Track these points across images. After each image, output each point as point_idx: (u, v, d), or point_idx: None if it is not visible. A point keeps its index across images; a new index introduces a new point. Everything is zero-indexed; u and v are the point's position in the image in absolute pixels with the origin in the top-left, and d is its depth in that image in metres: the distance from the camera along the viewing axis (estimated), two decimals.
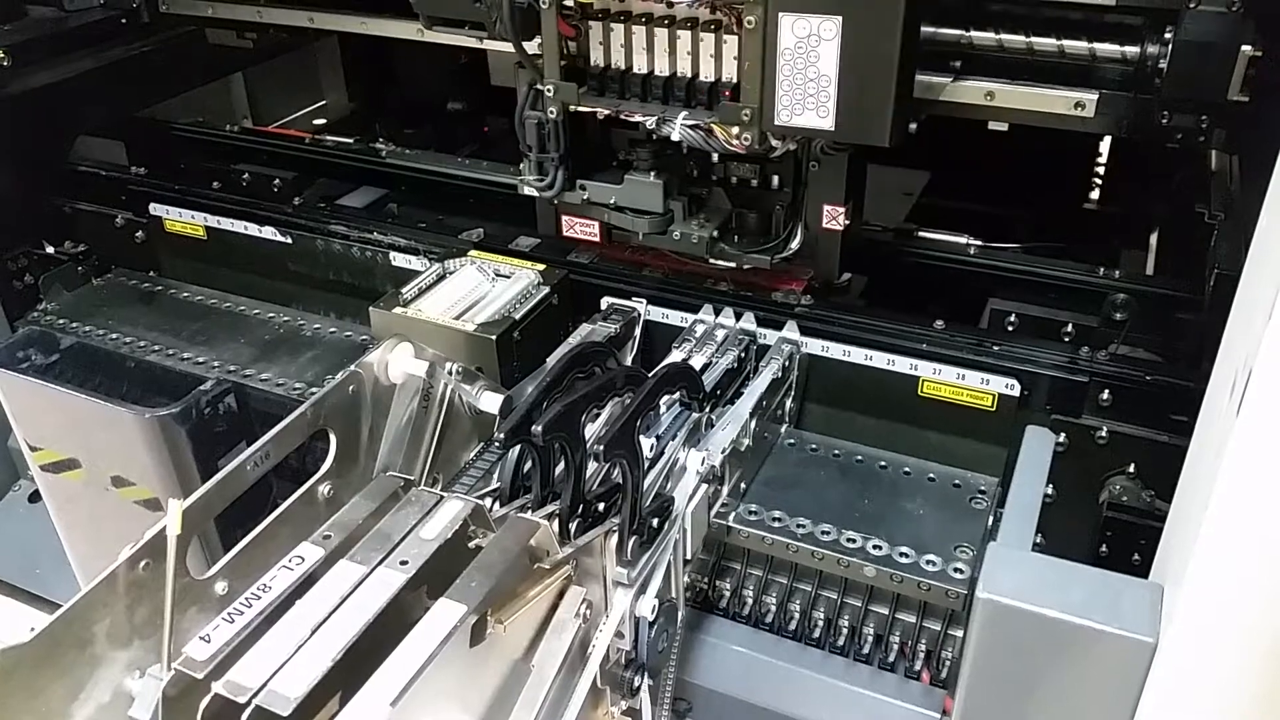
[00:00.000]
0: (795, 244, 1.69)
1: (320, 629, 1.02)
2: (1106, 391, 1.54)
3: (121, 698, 1.14)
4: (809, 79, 1.40)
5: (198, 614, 1.17)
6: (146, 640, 1.15)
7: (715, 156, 1.70)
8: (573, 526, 1.20)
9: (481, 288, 1.74)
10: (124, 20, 2.26)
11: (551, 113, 1.61)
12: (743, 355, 1.66)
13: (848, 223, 1.68)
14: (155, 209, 2.19)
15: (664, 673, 1.41)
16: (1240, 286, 1.03)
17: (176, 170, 2.28)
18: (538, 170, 1.71)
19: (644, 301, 1.77)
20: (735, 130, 1.48)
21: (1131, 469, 1.55)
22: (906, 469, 1.67)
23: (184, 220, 2.16)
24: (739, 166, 1.72)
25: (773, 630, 1.59)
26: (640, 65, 1.57)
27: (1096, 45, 1.56)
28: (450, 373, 1.51)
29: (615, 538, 1.23)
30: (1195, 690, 1.00)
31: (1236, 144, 1.60)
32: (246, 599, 1.10)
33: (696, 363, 1.61)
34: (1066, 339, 1.70)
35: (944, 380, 1.62)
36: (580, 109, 1.61)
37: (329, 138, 2.53)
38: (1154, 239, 2.23)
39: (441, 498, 1.21)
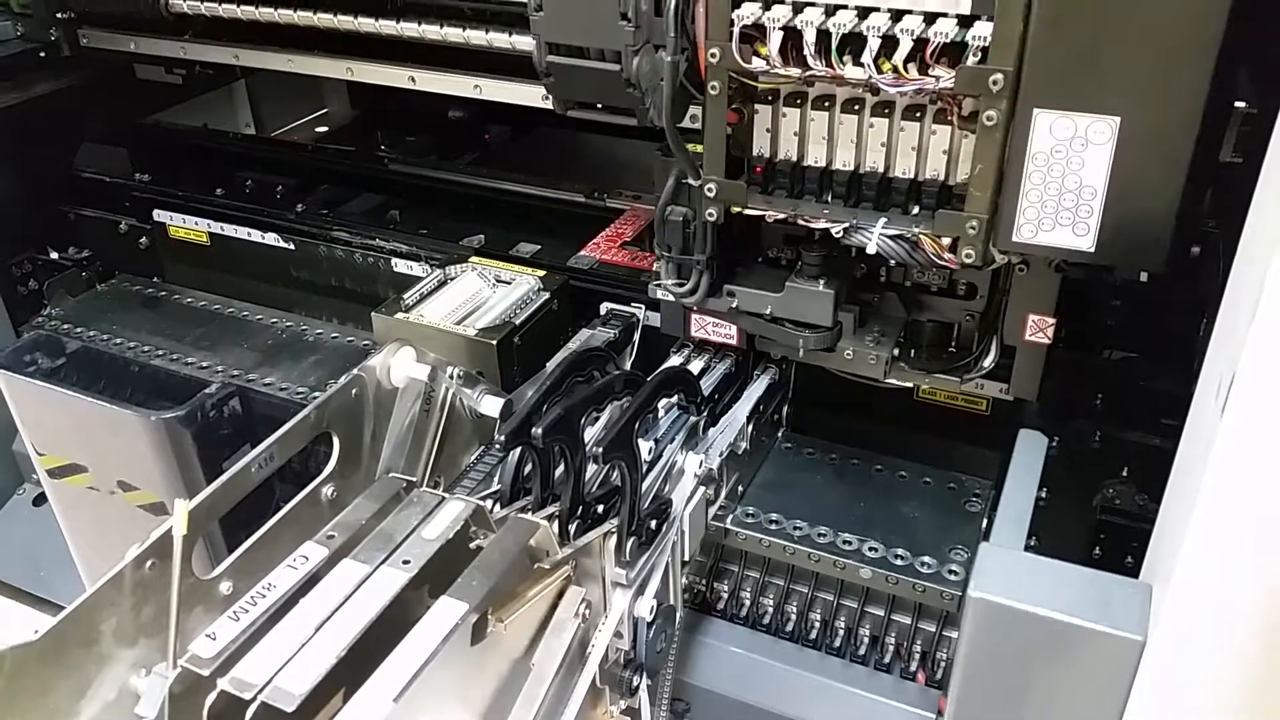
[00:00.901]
0: (989, 361, 1.42)
1: (324, 627, 1.04)
2: (1100, 396, 1.56)
3: (128, 695, 1.16)
4: (1066, 190, 1.11)
5: (203, 613, 1.18)
6: (152, 639, 1.17)
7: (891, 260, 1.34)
8: (572, 528, 1.22)
9: (482, 293, 1.76)
10: (43, 54, 2.13)
11: (710, 215, 1.34)
12: (740, 360, 1.67)
13: (1053, 336, 1.39)
14: (159, 215, 2.21)
15: (662, 673, 1.43)
16: (1226, 291, 1.05)
17: (180, 177, 2.29)
18: (677, 273, 1.47)
19: (642, 306, 1.78)
20: (948, 242, 1.22)
21: (1125, 472, 1.56)
22: (902, 472, 1.69)
23: (187, 226, 2.18)
24: (921, 271, 1.47)
25: (770, 631, 1.60)
26: (817, 157, 1.29)
27: None
28: (451, 377, 1.52)
29: (614, 539, 1.25)
30: (1183, 687, 1.01)
31: (1228, 211, 1.30)
32: (251, 598, 1.11)
33: (694, 367, 1.63)
34: (1060, 344, 1.71)
35: (939, 384, 1.64)
36: (748, 211, 1.33)
37: (331, 145, 2.55)
38: None
39: (443, 499, 1.23)
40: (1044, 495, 1.54)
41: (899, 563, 1.50)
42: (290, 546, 1.21)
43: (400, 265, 1.97)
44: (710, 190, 1.33)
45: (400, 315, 1.67)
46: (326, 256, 2.05)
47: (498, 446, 1.53)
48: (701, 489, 1.44)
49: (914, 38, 1.11)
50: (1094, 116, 1.07)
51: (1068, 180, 1.12)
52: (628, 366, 1.74)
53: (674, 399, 1.47)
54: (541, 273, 1.79)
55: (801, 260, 1.43)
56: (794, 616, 1.59)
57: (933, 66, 1.13)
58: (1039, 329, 1.38)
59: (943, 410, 1.65)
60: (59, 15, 2.07)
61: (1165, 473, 1.19)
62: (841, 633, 1.57)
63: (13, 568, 2.18)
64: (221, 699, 0.99)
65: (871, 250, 1.26)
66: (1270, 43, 1.21)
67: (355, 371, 1.43)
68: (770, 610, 1.61)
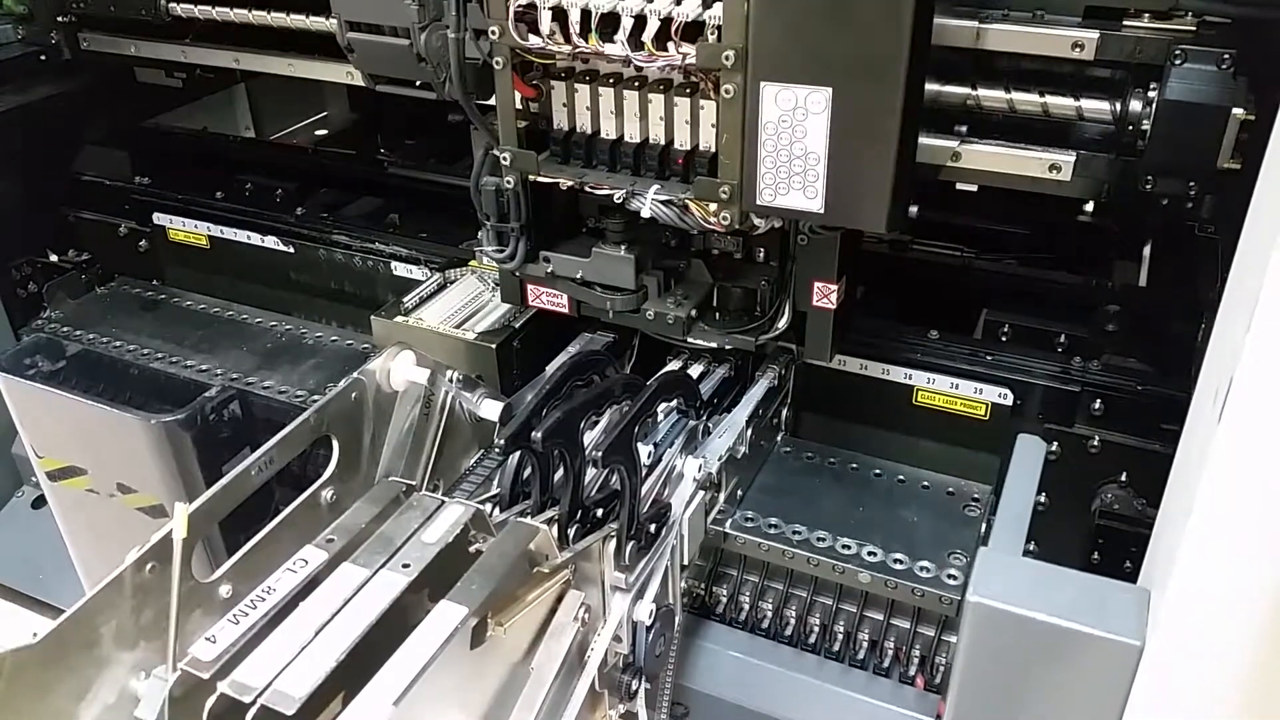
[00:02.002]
0: (783, 323, 1.51)
1: (324, 630, 1.04)
2: (1099, 401, 1.56)
3: (127, 698, 1.16)
4: (795, 156, 1.23)
5: (203, 616, 1.19)
6: (152, 642, 1.17)
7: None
8: (571, 531, 1.22)
9: (482, 297, 1.76)
10: (44, 57, 2.15)
11: (508, 182, 1.46)
12: (739, 364, 1.68)
13: (841, 300, 1.49)
14: (159, 218, 2.21)
15: (661, 677, 1.43)
16: (1223, 298, 1.05)
17: (180, 180, 2.30)
18: (497, 240, 1.56)
19: None
20: (713, 208, 1.33)
21: (1123, 477, 1.56)
22: (901, 476, 1.69)
23: (187, 229, 2.18)
24: (721, 239, 1.57)
25: (769, 635, 1.60)
26: (609, 130, 1.41)
27: (1075, 102, 1.39)
28: (451, 380, 1.53)
29: (613, 543, 1.25)
30: (1181, 692, 1.02)
31: (1227, 216, 1.34)
32: (251, 601, 1.12)
33: (694, 371, 1.63)
34: (1059, 349, 1.72)
35: (938, 389, 1.64)
36: (541, 179, 1.44)
37: (331, 148, 2.55)
38: (1147, 251, 2.25)
39: (442, 503, 1.23)
40: (1043, 500, 1.54)
41: (898, 567, 1.50)
42: (290, 550, 1.21)
43: (400, 269, 1.97)
44: (506, 159, 1.44)
45: (400, 319, 1.68)
46: (326, 260, 2.05)
47: (497, 450, 1.53)
48: (701, 493, 1.45)
49: (660, 17, 1.23)
50: (810, 88, 1.19)
51: (795, 147, 1.23)
52: (627, 370, 1.75)
53: (673, 403, 1.47)
54: None
55: (606, 227, 1.53)
56: (793, 620, 1.59)
57: (679, 44, 1.24)
58: (824, 295, 1.49)
59: (942, 415, 1.66)
60: (60, 19, 2.08)
61: (1163, 477, 1.19)
62: (840, 637, 1.57)
63: (12, 570, 2.18)
64: (221, 702, 0.99)
65: (645, 214, 1.37)
66: (1267, 51, 1.22)
67: (355, 375, 1.43)
68: (769, 614, 1.61)
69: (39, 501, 2.18)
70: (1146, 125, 1.33)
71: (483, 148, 1.49)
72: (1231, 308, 1.00)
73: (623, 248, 1.51)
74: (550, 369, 1.59)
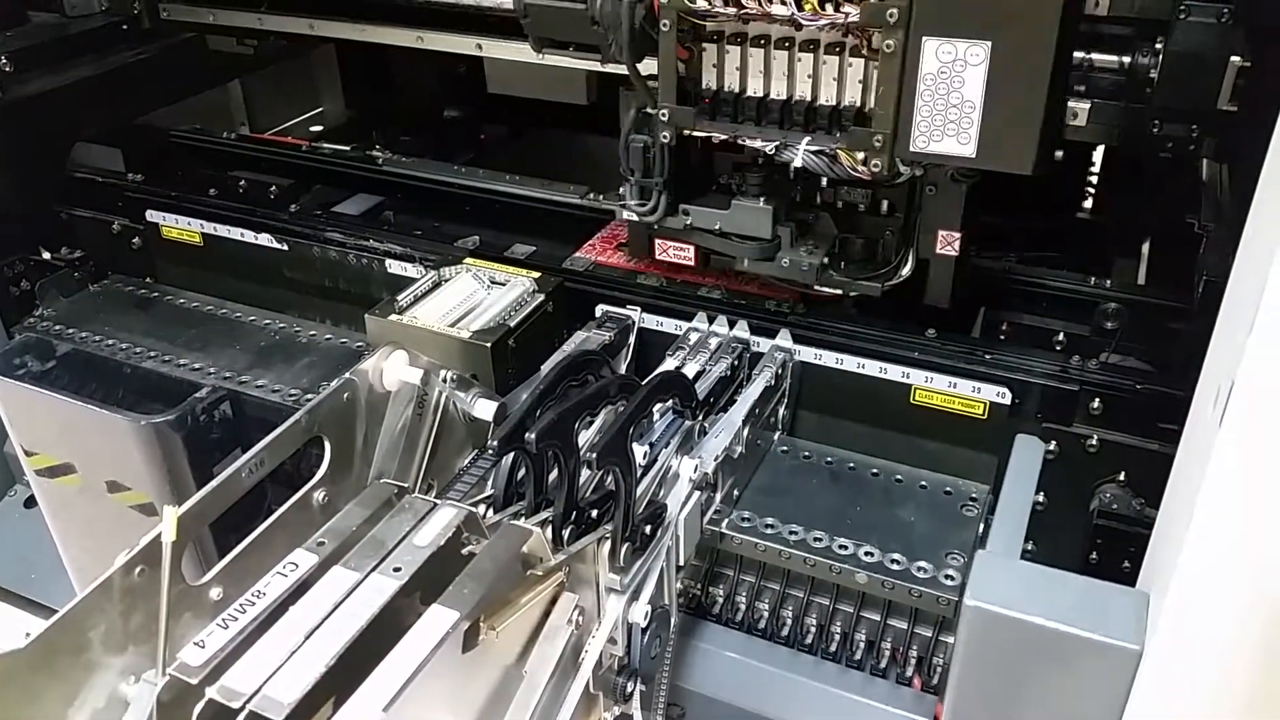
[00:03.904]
0: (906, 270, 1.61)
1: (314, 635, 1.03)
2: (1097, 400, 1.55)
3: (116, 703, 1.15)
4: (951, 105, 1.32)
5: (192, 620, 1.17)
6: (141, 646, 1.16)
7: (824, 181, 1.63)
8: (566, 533, 1.21)
9: (477, 295, 1.75)
10: (125, 26, 2.26)
11: (664, 137, 1.56)
12: (736, 363, 1.67)
13: (961, 249, 1.60)
14: (152, 215, 2.20)
15: (657, 678, 1.42)
16: (1225, 298, 1.04)
17: (173, 177, 2.28)
18: (640, 195, 1.66)
19: (638, 309, 1.77)
20: (862, 156, 1.42)
21: (1122, 477, 1.56)
22: (898, 476, 1.68)
23: (180, 227, 2.17)
24: (849, 191, 1.66)
25: (765, 636, 1.60)
26: (756, 89, 1.51)
27: (1090, 55, 1.56)
28: (445, 380, 1.51)
29: (608, 544, 1.24)
30: (1180, 697, 1.01)
31: (1226, 153, 1.61)
32: (241, 605, 1.11)
33: (690, 370, 1.62)
34: (1058, 348, 1.71)
35: (936, 388, 1.63)
36: (694, 133, 1.54)
37: (326, 145, 2.54)
38: (1146, 248, 2.25)
39: (435, 505, 1.22)
40: (1041, 500, 1.54)
41: (895, 567, 1.49)
42: (281, 552, 1.20)
43: (394, 266, 1.96)
44: (664, 115, 1.54)
45: (394, 317, 1.67)
46: (320, 257, 2.04)
47: (491, 451, 1.52)
48: (697, 493, 1.44)
49: None
50: (970, 42, 1.29)
51: (952, 97, 1.32)
52: (623, 370, 1.74)
53: (669, 403, 1.46)
54: (537, 275, 1.78)
55: (745, 181, 1.64)
56: (789, 621, 1.59)
57: (843, 3, 1.35)
58: (947, 242, 1.60)
59: (940, 414, 1.65)
60: None
61: (1163, 477, 1.18)
62: (837, 637, 1.56)
63: (4, 570, 2.17)
64: (210, 707, 0.98)
65: (797, 164, 1.47)
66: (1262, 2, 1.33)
67: (347, 375, 1.42)
68: (766, 615, 1.60)
69: (31, 501, 2.17)
70: (1154, 74, 1.48)
71: (633, 108, 1.60)
72: (1233, 309, 0.99)
73: (761, 200, 1.63)
74: (545, 369, 1.58)
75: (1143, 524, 1.49)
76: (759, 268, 1.67)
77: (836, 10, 1.35)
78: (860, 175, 1.44)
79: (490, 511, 1.25)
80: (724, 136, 1.52)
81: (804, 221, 1.68)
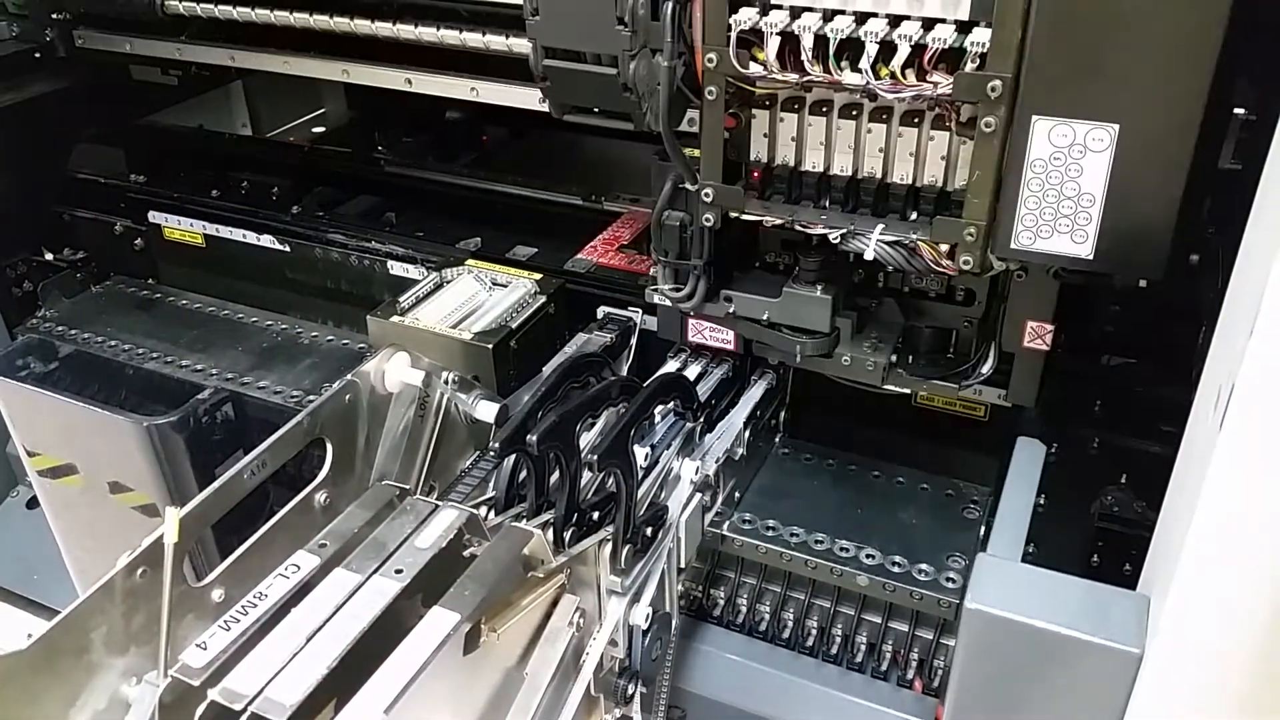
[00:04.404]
0: (987, 368, 1.41)
1: (315, 637, 1.03)
2: (1098, 402, 1.55)
3: (118, 704, 1.15)
4: (1065, 197, 1.11)
5: (194, 621, 1.18)
6: (143, 647, 1.16)
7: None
8: (567, 535, 1.21)
9: (478, 296, 1.75)
10: (38, 55, 2.11)
11: (708, 220, 1.34)
12: (737, 365, 1.67)
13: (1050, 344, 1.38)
14: (154, 217, 2.20)
15: (658, 680, 1.42)
16: (1225, 302, 1.04)
17: (175, 178, 2.28)
18: (674, 278, 1.45)
19: (640, 311, 1.77)
20: (948, 249, 1.21)
21: (1123, 479, 1.55)
22: (900, 478, 1.69)
23: (183, 228, 2.17)
24: (922, 278, 1.47)
25: (766, 638, 1.60)
26: (815, 163, 1.29)
27: None
28: (446, 382, 1.52)
29: (609, 546, 1.24)
30: (1181, 700, 1.01)
31: (1227, 219, 1.29)
32: (243, 606, 1.11)
33: (691, 373, 1.62)
34: (1059, 350, 1.71)
35: (937, 391, 1.63)
36: (746, 217, 1.32)
37: (327, 146, 2.54)
38: None
39: (436, 506, 1.23)
40: (1042, 502, 1.53)
41: (896, 570, 1.49)
42: (283, 553, 1.20)
43: (396, 268, 1.96)
44: (708, 195, 1.32)
45: (396, 318, 1.67)
46: (322, 259, 2.04)
47: (492, 453, 1.52)
48: (698, 495, 1.44)
49: (912, 44, 1.10)
50: (1093, 123, 1.07)
51: (1066, 187, 1.11)
52: (624, 372, 1.74)
53: (670, 405, 1.46)
54: (538, 276, 1.78)
55: (799, 265, 1.42)
56: (790, 623, 1.59)
57: (930, 73, 1.12)
58: (1037, 335, 1.37)
59: (941, 416, 1.65)
60: (54, 16, 2.07)
61: (1164, 479, 1.18)
62: (838, 640, 1.56)
63: (6, 571, 2.18)
64: (212, 709, 0.98)
65: (869, 256, 1.25)
66: (1270, 50, 1.21)
67: (349, 377, 1.42)
68: (767, 617, 1.60)
69: (34, 502, 2.17)
70: None
71: (670, 180, 1.38)
72: (1233, 312, 0.99)
73: (818, 288, 1.40)
74: (546, 370, 1.58)
75: (1144, 527, 1.48)
76: (814, 364, 1.47)
77: (922, 79, 1.12)
78: (945, 270, 1.25)
79: (492, 513, 1.25)
80: (779, 221, 1.31)
81: (865, 309, 1.48)
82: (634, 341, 1.76)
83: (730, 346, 1.54)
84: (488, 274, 1.79)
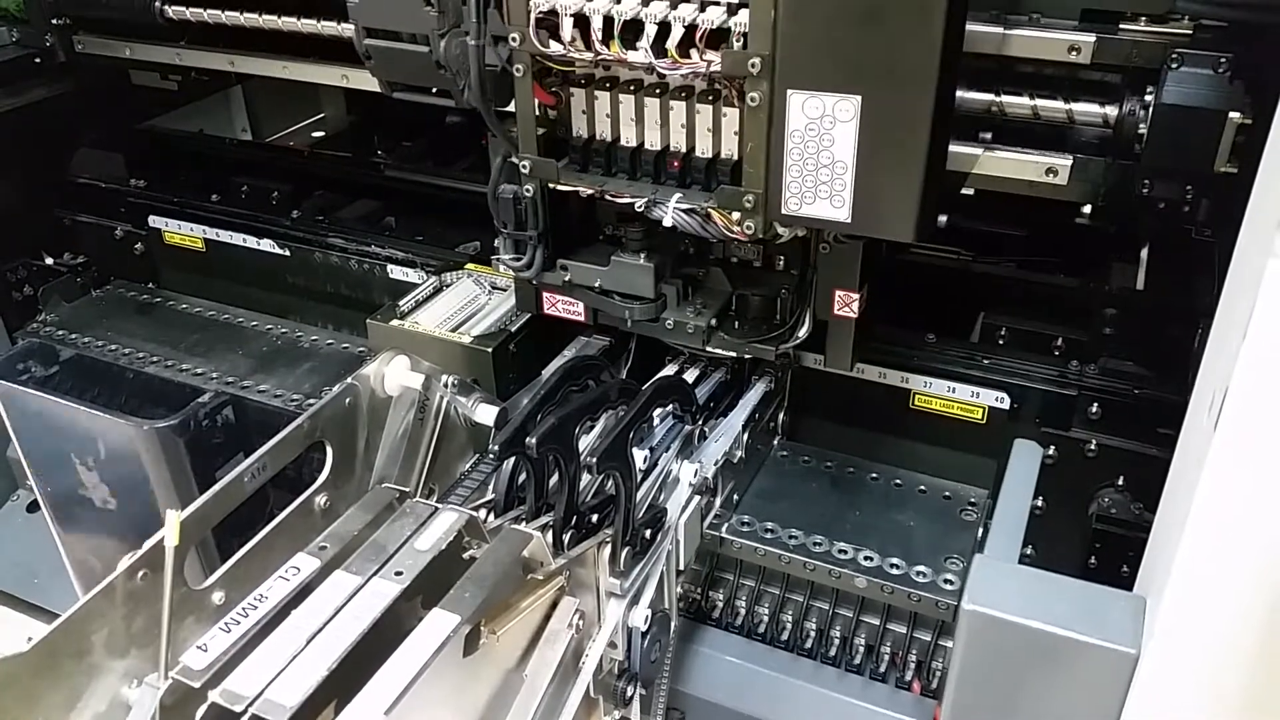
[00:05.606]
0: (803, 332, 1.48)
1: (315, 639, 1.04)
2: (1096, 405, 1.56)
3: (118, 707, 1.15)
4: (822, 165, 1.20)
5: (195, 624, 1.18)
6: (144, 650, 1.16)
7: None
8: (566, 537, 1.21)
9: (478, 300, 1.76)
10: (39, 60, 2.14)
11: (528, 191, 1.44)
12: (736, 368, 1.67)
13: (862, 310, 1.45)
14: (154, 221, 2.21)
15: (657, 682, 1.42)
16: (1219, 305, 1.05)
17: (176, 183, 2.29)
18: (514, 249, 1.52)
19: None
20: (736, 216, 1.30)
21: (1120, 481, 1.56)
22: (898, 481, 1.69)
23: (183, 232, 2.18)
24: (740, 246, 1.54)
25: (765, 640, 1.60)
26: (629, 138, 1.38)
27: (1071, 105, 1.38)
28: (446, 385, 1.52)
29: (608, 549, 1.25)
30: (1177, 701, 1.01)
31: (1224, 220, 1.37)
32: (243, 609, 1.11)
33: (690, 375, 1.63)
34: (1056, 353, 1.72)
35: (935, 393, 1.64)
36: (561, 187, 1.42)
37: (327, 150, 2.54)
38: (1145, 254, 2.25)
39: (436, 509, 1.23)
40: (1039, 504, 1.54)
41: (894, 572, 1.49)
42: (283, 556, 1.21)
43: (396, 272, 1.96)
44: (525, 167, 1.42)
45: (395, 322, 1.67)
46: (322, 263, 2.05)
47: (492, 456, 1.52)
48: (697, 498, 1.44)
49: (685, 24, 1.20)
50: (839, 95, 1.16)
51: (822, 155, 1.20)
52: (623, 375, 1.74)
53: (669, 408, 1.47)
54: None
55: (624, 235, 1.51)
56: (789, 625, 1.59)
57: (703, 52, 1.22)
58: (845, 303, 1.46)
59: (939, 419, 1.65)
60: (54, 21, 2.08)
61: (1161, 482, 1.18)
62: (837, 642, 1.56)
63: (7, 574, 2.17)
64: (213, 711, 0.99)
65: (667, 223, 1.34)
66: (1264, 54, 1.22)
67: (349, 380, 1.42)
68: (765, 619, 1.60)
69: (34, 506, 2.18)
70: (1143, 129, 1.32)
71: (500, 155, 1.46)
72: (1228, 316, 1.00)
73: (642, 256, 1.49)
74: (546, 373, 1.58)
75: (1141, 528, 1.49)
76: (644, 329, 1.54)
77: (701, 58, 1.22)
78: (736, 236, 1.33)
79: (491, 516, 1.26)
80: (590, 190, 1.40)
81: (692, 277, 1.55)
82: (633, 345, 1.77)
83: (582, 318, 1.59)
84: (487, 278, 1.80)
